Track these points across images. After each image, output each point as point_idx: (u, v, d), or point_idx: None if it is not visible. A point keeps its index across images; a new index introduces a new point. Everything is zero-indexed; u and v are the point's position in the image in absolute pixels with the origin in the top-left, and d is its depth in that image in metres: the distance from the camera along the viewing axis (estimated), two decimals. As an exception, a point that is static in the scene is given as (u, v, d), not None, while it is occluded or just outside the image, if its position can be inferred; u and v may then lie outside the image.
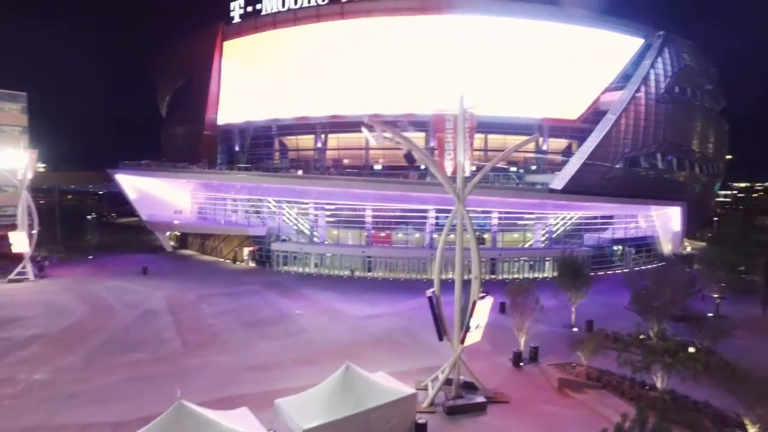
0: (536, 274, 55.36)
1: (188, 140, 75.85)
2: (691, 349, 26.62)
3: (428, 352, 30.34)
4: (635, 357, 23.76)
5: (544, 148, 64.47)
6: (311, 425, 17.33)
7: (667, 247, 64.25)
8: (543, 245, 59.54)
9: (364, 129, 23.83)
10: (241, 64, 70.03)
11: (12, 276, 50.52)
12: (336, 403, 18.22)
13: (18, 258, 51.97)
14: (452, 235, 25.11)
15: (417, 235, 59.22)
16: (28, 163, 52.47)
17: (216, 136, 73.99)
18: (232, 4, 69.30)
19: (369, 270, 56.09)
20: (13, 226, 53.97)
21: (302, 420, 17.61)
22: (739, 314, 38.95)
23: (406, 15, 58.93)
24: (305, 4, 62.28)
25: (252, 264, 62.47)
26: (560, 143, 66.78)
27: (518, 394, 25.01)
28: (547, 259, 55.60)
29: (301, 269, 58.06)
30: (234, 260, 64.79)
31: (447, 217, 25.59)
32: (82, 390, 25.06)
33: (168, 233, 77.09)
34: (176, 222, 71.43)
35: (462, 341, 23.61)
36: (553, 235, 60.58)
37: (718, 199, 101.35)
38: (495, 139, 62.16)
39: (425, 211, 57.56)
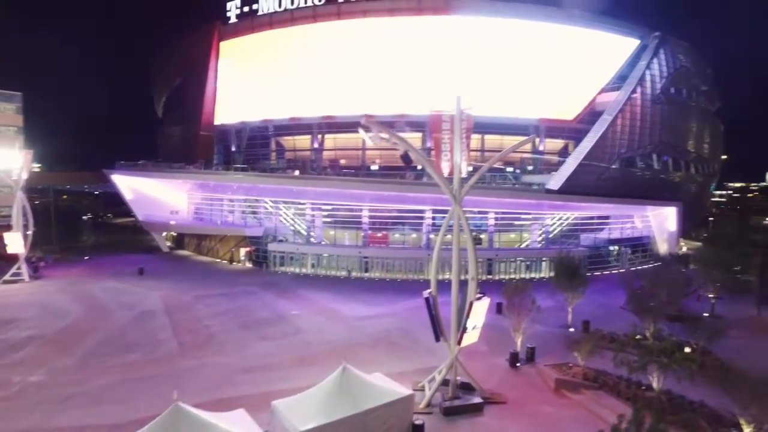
0: (533, 275, 55.44)
1: (185, 140, 75.68)
2: (687, 350, 26.73)
3: (425, 352, 30.37)
4: (631, 357, 23.85)
5: (541, 148, 64.63)
6: (308, 427, 17.29)
7: (663, 247, 64.47)
8: (540, 245, 59.63)
9: (360, 130, 23.81)
10: (237, 64, 69.95)
11: (7, 277, 50.22)
12: (333, 404, 18.20)
13: (13, 259, 51.69)
14: (449, 236, 25.12)
15: (414, 235, 59.24)
16: (23, 164, 52.23)
17: (212, 136, 73.86)
18: (228, 4, 69.25)
19: (366, 270, 56.06)
20: (8, 227, 53.69)
21: (299, 421, 17.58)
22: (735, 314, 39.14)
23: (403, 15, 58.98)
24: (302, 5, 62.31)
25: (249, 265, 62.34)
26: (557, 143, 66.96)
27: (515, 395, 25.05)
28: (544, 259, 55.68)
29: (297, 270, 57.99)
30: (231, 261, 64.64)
31: (444, 217, 25.64)
32: (77, 392, 24.95)
33: (164, 234, 76.84)
34: (173, 222, 71.20)
35: (459, 342, 23.61)
36: (550, 236, 60.71)
37: (713, 199, 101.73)
38: (492, 140, 62.28)
39: (422, 211, 57.58)
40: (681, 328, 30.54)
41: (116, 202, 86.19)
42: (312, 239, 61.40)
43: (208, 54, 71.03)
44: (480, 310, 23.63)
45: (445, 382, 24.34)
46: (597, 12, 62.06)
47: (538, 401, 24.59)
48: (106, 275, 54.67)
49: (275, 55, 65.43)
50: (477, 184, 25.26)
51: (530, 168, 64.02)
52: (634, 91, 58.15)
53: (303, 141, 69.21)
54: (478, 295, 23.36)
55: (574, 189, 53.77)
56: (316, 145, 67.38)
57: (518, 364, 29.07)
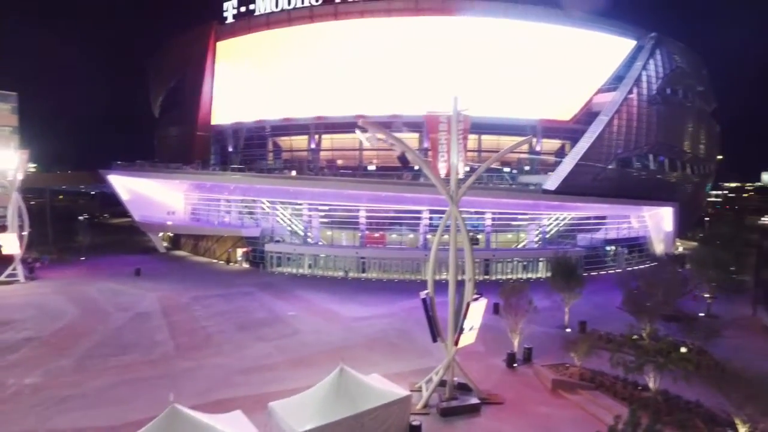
0: (530, 275, 55.55)
1: (181, 141, 75.52)
2: (683, 350, 26.82)
3: (422, 353, 30.40)
4: (628, 357, 23.97)
5: (538, 148, 64.73)
6: (305, 428, 17.28)
7: (659, 248, 64.71)
8: (536, 246, 59.75)
9: (357, 131, 23.82)
10: (234, 64, 69.82)
11: (2, 278, 49.95)
12: (330, 405, 18.19)
13: (8, 260, 51.44)
14: (446, 236, 25.15)
15: (411, 235, 59.26)
16: (18, 164, 51.99)
17: (209, 136, 73.74)
18: (225, 5, 69.12)
19: (363, 271, 56.05)
20: (4, 228, 53.43)
21: (296, 423, 17.57)
22: (730, 314, 39.39)
23: (400, 16, 59.01)
24: (299, 5, 62.26)
25: (245, 265, 62.27)
26: (553, 144, 67.10)
27: (512, 396, 25.09)
28: (541, 259, 55.80)
29: (294, 270, 57.93)
30: (227, 261, 64.53)
31: (441, 217, 25.67)
32: (73, 394, 24.84)
33: (161, 234, 76.67)
34: (169, 223, 71.03)
35: (456, 343, 23.65)
36: (547, 236, 60.83)
37: (709, 199, 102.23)
38: (489, 140, 62.34)
39: (419, 211, 57.61)
40: (677, 328, 30.72)
41: (113, 203, 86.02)
42: (309, 240, 61.36)
43: (205, 54, 70.89)
44: (477, 311, 23.69)
45: (442, 383, 24.39)
46: (593, 13, 62.32)
47: (535, 402, 24.63)
48: (102, 276, 54.49)
49: (272, 55, 65.36)
50: (474, 185, 25.30)
51: (527, 168, 64.16)
52: (630, 92, 58.36)
53: (300, 141, 69.14)
54: (475, 296, 23.41)
55: (570, 189, 53.91)
56: (313, 146, 67.33)
57: (515, 365, 29.12)
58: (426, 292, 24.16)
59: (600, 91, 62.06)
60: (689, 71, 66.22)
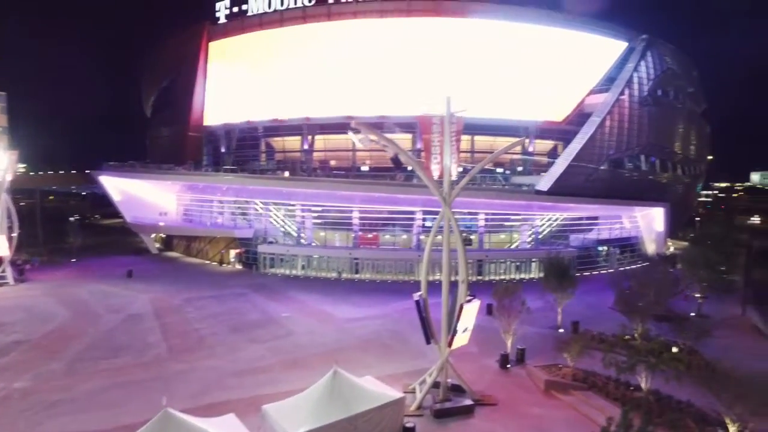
0: (523, 275, 55.75)
1: (173, 141, 75.08)
2: (675, 350, 27.04)
3: (416, 354, 30.41)
4: (620, 358, 24.13)
5: (531, 149, 65.00)
6: (298, 431, 17.24)
7: (650, 248, 65.21)
8: (529, 246, 59.99)
9: (350, 132, 23.80)
10: (227, 64, 69.51)
11: (-9, 280, 49.49)
12: (323, 408, 18.16)
13: (-3, 262, 50.90)
14: (439, 237, 25.19)
15: (404, 236, 59.29)
16: (7, 165, 51.47)
17: (201, 137, 73.37)
18: (217, 5, 68.80)
19: (356, 272, 56.00)
20: (-7, 230, 52.80)
21: (290, 426, 17.54)
22: (720, 314, 39.80)
23: (393, 17, 59.00)
24: (291, 6, 62.10)
25: (239, 266, 62.01)
26: (546, 145, 67.40)
27: (505, 396, 25.17)
28: (534, 260, 56.00)
29: (288, 271, 57.77)
30: (220, 262, 64.22)
31: (434, 218, 25.69)
32: (64, 398, 24.62)
33: (153, 235, 76.15)
34: (161, 224, 70.60)
35: (449, 344, 23.69)
36: (540, 236, 61.09)
37: (699, 199, 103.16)
38: (482, 141, 62.53)
39: (412, 212, 57.64)
40: (668, 328, 30.98)
41: (104, 203, 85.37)
42: (302, 241, 61.21)
43: (197, 54, 70.52)
44: (470, 312, 23.73)
45: (435, 385, 24.40)
46: (585, 15, 62.66)
47: (528, 402, 24.73)
48: (93, 278, 54.05)
49: (265, 55, 65.11)
50: (467, 186, 25.32)
51: (520, 169, 64.39)
52: (622, 93, 58.73)
53: (293, 142, 68.93)
54: (469, 298, 23.45)
55: (563, 190, 54.17)
56: (306, 146, 67.19)
57: (508, 366, 29.21)
58: (419, 293, 24.19)
59: (592, 92, 62.44)
60: (680, 72, 66.80)
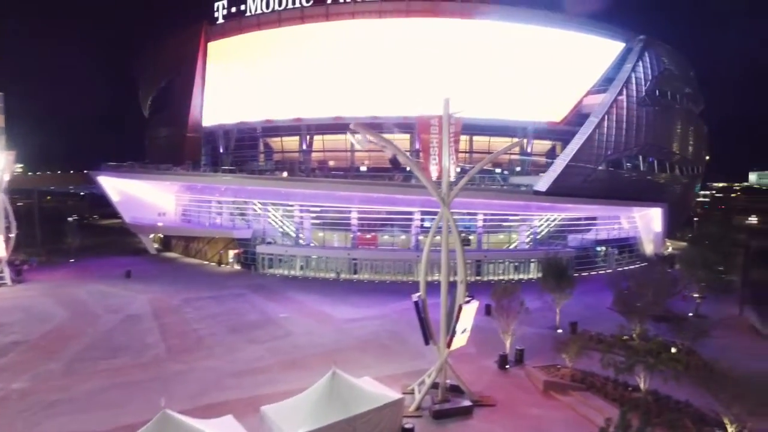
0: (521, 275, 55.81)
1: (172, 141, 74.92)
2: (673, 350, 27.09)
3: (415, 355, 30.42)
4: (618, 358, 24.16)
5: (529, 150, 65.07)
6: (297, 432, 17.26)
7: (649, 248, 65.30)
8: (528, 246, 60.06)
9: (348, 133, 23.81)
10: (225, 65, 69.40)
11: (-11, 281, 49.38)
12: (322, 409, 18.16)
13: (-5, 262, 50.77)
14: (438, 237, 25.21)
15: (402, 237, 59.30)
16: (5, 165, 51.45)
17: (200, 137, 73.20)
18: (216, 5, 68.61)
19: (355, 272, 56.01)
20: (-10, 230, 52.69)
21: (288, 427, 17.54)
22: (718, 314, 39.85)
23: (391, 17, 58.99)
24: (290, 6, 61.96)
25: (237, 267, 61.97)
26: (544, 145, 67.50)
27: (504, 397, 25.20)
28: (532, 260, 56.09)
29: (286, 272, 57.75)
30: (219, 263, 64.17)
31: (432, 218, 25.71)
32: (62, 398, 24.60)
33: (151, 236, 76.08)
34: (160, 224, 70.54)
35: (448, 346, 23.71)
36: (538, 237, 61.16)
37: (697, 199, 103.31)
38: (480, 141, 62.58)
39: (411, 213, 57.66)
40: (667, 328, 31.05)
41: (102, 204, 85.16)
42: (301, 241, 61.20)
43: (195, 54, 70.38)
44: (469, 313, 23.77)
45: (434, 385, 24.43)
46: (583, 15, 62.72)
47: (527, 403, 24.76)
48: (92, 278, 53.99)
49: (263, 56, 65.02)
50: (465, 186, 25.33)
51: (518, 169, 64.48)
52: (620, 94, 58.79)
53: (291, 142, 68.94)
54: (467, 299, 23.48)
55: (561, 190, 54.23)
56: (304, 147, 67.17)
57: (507, 366, 29.24)
58: (418, 294, 24.22)
59: (590, 92, 62.50)
60: (677, 73, 66.92)
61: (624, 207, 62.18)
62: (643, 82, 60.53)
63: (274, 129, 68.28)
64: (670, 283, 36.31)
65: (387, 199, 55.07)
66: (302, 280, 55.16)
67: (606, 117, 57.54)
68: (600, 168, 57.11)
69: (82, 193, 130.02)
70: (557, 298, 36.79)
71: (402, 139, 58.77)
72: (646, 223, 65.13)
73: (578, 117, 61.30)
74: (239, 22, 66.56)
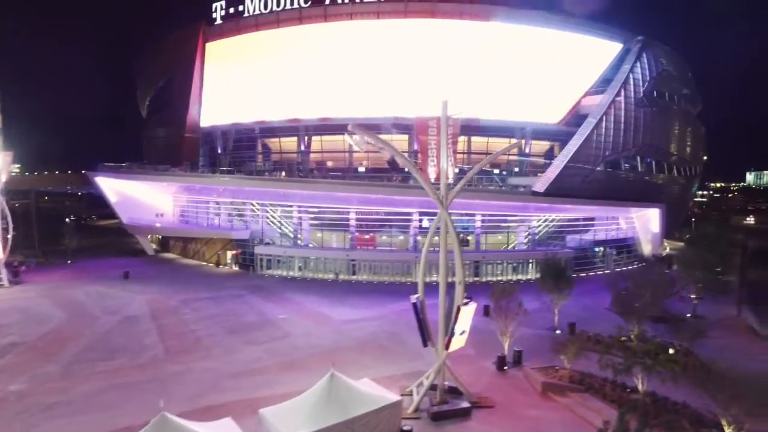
0: (519, 276, 55.87)
1: (170, 142, 74.77)
2: (671, 351, 27.13)
3: (413, 356, 30.40)
4: (616, 359, 24.18)
5: (527, 150, 65.11)
6: (296, 435, 17.24)
7: (646, 248, 65.40)
8: (526, 247, 60.11)
9: (346, 135, 23.82)
10: (223, 65, 69.30)
11: (-14, 282, 49.19)
12: (321, 411, 18.15)
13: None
14: (436, 238, 25.20)
15: (401, 237, 59.29)
16: (2, 166, 51.27)
17: (198, 138, 73.06)
18: (214, 5, 68.52)
19: (353, 273, 55.98)
20: (-13, 231, 52.56)
21: (287, 430, 17.54)
22: (716, 315, 39.95)
23: (389, 18, 59.00)
24: (288, 7, 61.90)
25: (235, 268, 61.87)
26: (543, 145, 67.54)
27: (502, 399, 25.21)
28: (530, 261, 56.14)
29: (285, 273, 57.69)
30: (217, 264, 64.08)
31: (431, 219, 25.73)
32: (60, 400, 24.54)
33: (149, 236, 75.93)
34: (158, 225, 70.43)
35: (447, 347, 23.71)
36: (536, 237, 61.21)
37: (695, 200, 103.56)
38: (478, 142, 62.60)
39: (409, 213, 57.66)
40: (664, 329, 31.06)
41: (100, 204, 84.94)
42: (299, 242, 61.16)
43: (193, 55, 70.26)
44: (467, 315, 23.77)
45: (433, 387, 24.43)
46: (580, 16, 62.80)
47: (525, 405, 24.78)
48: (89, 279, 53.85)
49: (261, 57, 64.94)
50: (463, 187, 25.32)
51: (516, 170, 64.55)
52: (618, 95, 58.87)
53: (289, 143, 68.87)
54: (465, 300, 23.49)
55: (559, 191, 54.30)
56: (302, 147, 67.12)
57: (505, 368, 29.26)
58: (416, 296, 24.22)
59: (588, 93, 62.52)
60: (675, 74, 67.03)
61: (622, 207, 62.26)
62: (641, 83, 60.61)
63: (272, 129, 68.18)
64: (667, 283, 36.35)
65: (385, 199, 55.06)
66: (300, 281, 55.12)
67: (604, 118, 57.63)
68: (598, 169, 57.19)
69: (79, 194, 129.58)
70: (555, 299, 36.83)
71: (400, 140, 58.76)
72: (644, 224, 65.23)
73: (576, 118, 61.35)
74: (237, 22, 66.48)
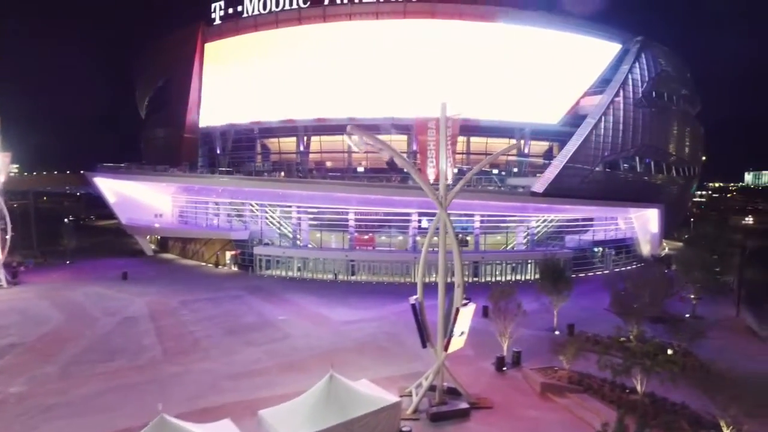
0: (518, 277, 55.90)
1: (168, 142, 74.68)
2: (669, 351, 27.15)
3: (412, 357, 30.38)
4: (615, 360, 24.19)
5: (526, 151, 65.15)
6: (295, 436, 17.23)
7: (645, 249, 65.43)
8: (525, 247, 60.14)
9: (345, 135, 23.82)
10: (222, 66, 69.22)
11: (-15, 283, 49.11)
12: (320, 413, 18.15)
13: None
14: (435, 238, 25.20)
15: (400, 238, 59.29)
16: (0, 166, 51.19)
17: (197, 138, 72.97)
18: (212, 6, 68.44)
19: (352, 274, 55.96)
20: (-14, 232, 52.48)
21: (286, 431, 17.50)
22: (715, 315, 39.97)
23: (388, 19, 58.98)
24: (287, 7, 61.85)
25: (234, 268, 61.84)
26: (542, 146, 67.59)
27: (501, 399, 25.23)
28: (529, 261, 56.16)
29: (284, 273, 57.68)
30: (216, 264, 64.04)
31: (430, 219, 25.74)
32: (59, 402, 24.53)
33: (148, 237, 75.85)
34: (157, 225, 70.36)
35: (446, 348, 23.71)
36: (535, 238, 61.24)
37: (694, 200, 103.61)
38: (477, 142, 62.61)
39: (408, 214, 57.65)
40: (663, 330, 31.07)
41: (99, 204, 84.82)
42: (298, 242, 61.14)
43: (192, 55, 70.17)
44: (466, 316, 23.79)
45: (432, 388, 24.44)
46: (579, 17, 62.78)
47: (524, 405, 24.80)
48: (88, 280, 53.78)
49: (260, 57, 64.89)
50: (462, 187, 25.32)
51: (515, 170, 64.57)
52: (617, 95, 58.90)
53: (288, 143, 68.85)
54: (465, 301, 23.50)
55: (558, 192, 54.33)
56: (301, 148, 67.09)
57: (504, 369, 29.28)
58: (415, 297, 24.22)
59: (587, 94, 62.49)
60: (674, 74, 67.06)
61: (621, 208, 62.30)
62: (639, 84, 60.63)
63: (271, 130, 68.15)
64: (666, 284, 36.42)
65: (384, 200, 55.05)
66: (299, 282, 55.10)
67: (603, 118, 57.65)
68: (597, 169, 57.23)
69: (78, 194, 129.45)
70: (554, 300, 36.83)
71: (399, 141, 58.76)
72: (642, 224, 65.27)
73: (575, 118, 61.34)
74: (236, 23, 66.41)
